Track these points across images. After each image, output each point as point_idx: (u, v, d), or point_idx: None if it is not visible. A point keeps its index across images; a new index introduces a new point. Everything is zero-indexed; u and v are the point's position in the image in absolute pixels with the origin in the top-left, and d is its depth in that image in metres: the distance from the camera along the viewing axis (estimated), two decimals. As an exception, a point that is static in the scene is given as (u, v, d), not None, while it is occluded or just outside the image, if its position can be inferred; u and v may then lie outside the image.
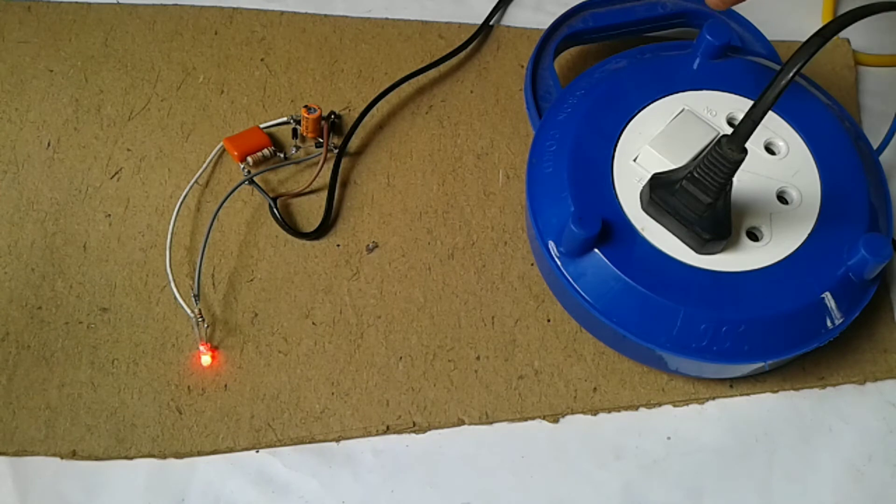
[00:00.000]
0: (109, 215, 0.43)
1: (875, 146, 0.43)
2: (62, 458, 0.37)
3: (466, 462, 0.38)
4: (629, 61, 0.43)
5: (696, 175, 0.34)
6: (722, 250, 0.37)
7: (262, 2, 0.51)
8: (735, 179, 0.35)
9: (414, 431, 0.39)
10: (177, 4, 0.50)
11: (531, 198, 0.39)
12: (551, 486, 0.38)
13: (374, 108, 0.47)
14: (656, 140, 0.39)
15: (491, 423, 0.39)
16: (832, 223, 0.38)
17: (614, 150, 0.39)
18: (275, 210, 0.43)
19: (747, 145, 0.33)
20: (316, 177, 0.44)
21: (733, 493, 0.38)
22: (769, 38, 0.47)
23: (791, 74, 0.30)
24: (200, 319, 0.39)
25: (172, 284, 0.40)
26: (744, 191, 0.38)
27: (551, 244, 0.38)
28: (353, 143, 0.46)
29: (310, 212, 0.44)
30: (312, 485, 0.37)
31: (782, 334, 0.36)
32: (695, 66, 0.42)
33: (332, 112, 0.46)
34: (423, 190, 0.45)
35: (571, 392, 0.40)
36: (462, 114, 0.47)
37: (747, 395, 0.40)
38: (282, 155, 0.45)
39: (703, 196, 0.34)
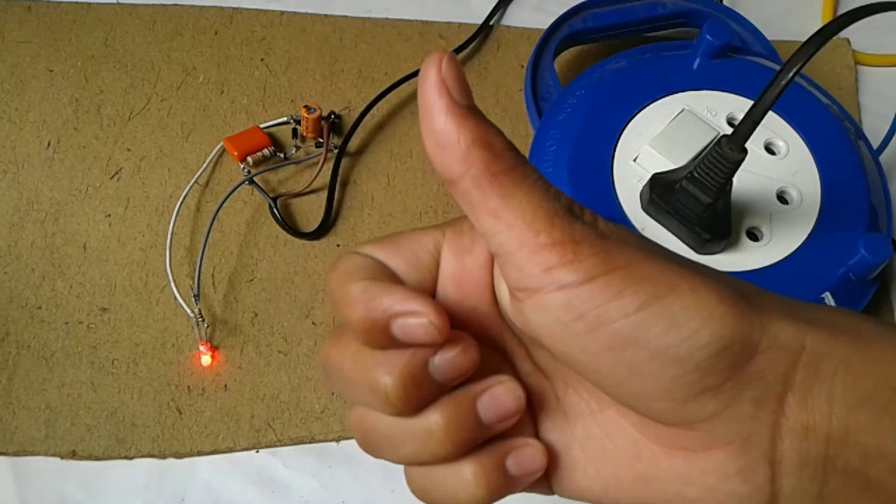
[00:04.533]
0: (109, 215, 0.43)
1: (875, 146, 0.43)
2: (62, 458, 0.37)
3: (466, 462, 0.38)
4: (629, 61, 0.43)
5: (696, 175, 0.34)
6: (722, 250, 0.37)
7: (262, 2, 0.51)
8: (735, 179, 0.35)
9: (414, 431, 0.39)
10: (177, 4, 0.50)
11: (531, 198, 0.39)
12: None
13: (374, 108, 0.47)
14: (656, 140, 0.39)
15: (491, 423, 0.39)
16: (832, 223, 0.38)
17: (614, 150, 0.39)
18: (275, 210, 0.43)
19: (747, 145, 0.33)
20: (316, 177, 0.44)
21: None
22: (769, 38, 0.47)
23: (791, 74, 0.30)
24: (200, 319, 0.39)
25: (172, 284, 0.40)
26: (744, 191, 0.38)
27: (551, 244, 0.38)
28: (353, 143, 0.46)
29: (310, 212, 0.44)
30: (312, 485, 0.37)
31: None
32: (695, 66, 0.42)
33: (332, 112, 0.46)
34: (423, 190, 0.45)
35: (571, 392, 0.40)
36: (462, 114, 0.47)
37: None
38: (282, 155, 0.45)
39: (703, 196, 0.34)
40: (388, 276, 0.22)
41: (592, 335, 0.19)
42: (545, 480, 0.23)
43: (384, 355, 0.20)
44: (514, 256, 0.19)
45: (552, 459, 0.23)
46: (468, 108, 0.19)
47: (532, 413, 0.23)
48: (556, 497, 0.24)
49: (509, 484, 0.22)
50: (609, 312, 0.19)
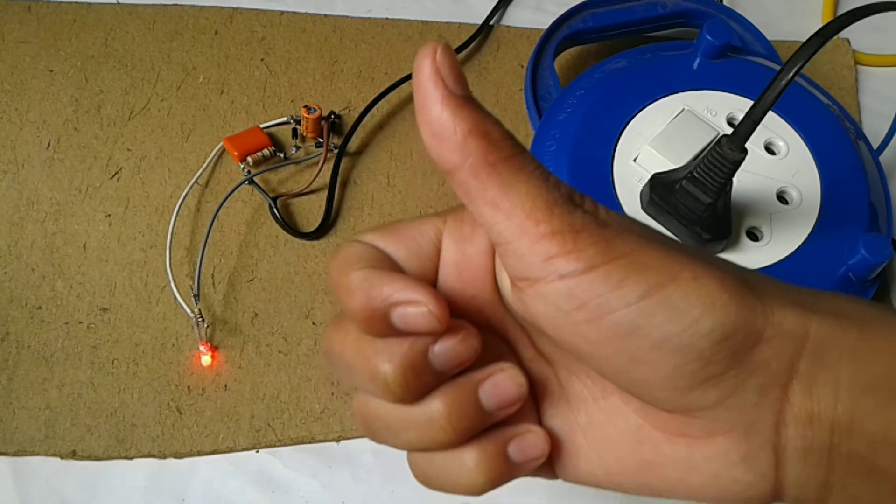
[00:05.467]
0: (109, 215, 0.43)
1: (875, 146, 0.43)
2: (62, 458, 0.37)
3: (466, 462, 0.38)
4: (629, 61, 0.43)
5: (696, 175, 0.34)
6: (722, 250, 0.37)
7: (262, 2, 0.51)
8: (735, 179, 0.35)
9: (414, 431, 0.39)
10: (177, 4, 0.50)
11: (531, 198, 0.39)
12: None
13: (374, 108, 0.47)
14: (656, 140, 0.39)
15: (491, 423, 0.39)
16: (832, 223, 0.38)
17: (614, 150, 0.39)
18: (275, 210, 0.43)
19: (747, 145, 0.33)
20: (316, 177, 0.44)
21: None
22: (769, 38, 0.47)
23: (791, 74, 0.30)
24: (200, 319, 0.39)
25: (172, 284, 0.40)
26: (744, 191, 0.38)
27: (551, 244, 0.38)
28: (353, 143, 0.46)
29: (310, 212, 0.44)
30: (312, 485, 0.37)
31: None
32: (695, 66, 0.42)
33: (332, 112, 0.46)
34: (423, 190, 0.45)
35: (571, 392, 0.40)
36: (462, 114, 0.47)
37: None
38: (282, 155, 0.45)
39: (703, 196, 0.34)
40: (389, 265, 0.21)
41: (594, 325, 0.19)
42: (549, 465, 0.23)
43: (384, 343, 0.20)
44: (514, 246, 0.19)
45: (555, 445, 0.23)
46: (464, 97, 0.19)
47: (535, 399, 0.23)
48: (559, 481, 0.24)
49: (511, 470, 0.22)
50: (610, 302, 0.19)
